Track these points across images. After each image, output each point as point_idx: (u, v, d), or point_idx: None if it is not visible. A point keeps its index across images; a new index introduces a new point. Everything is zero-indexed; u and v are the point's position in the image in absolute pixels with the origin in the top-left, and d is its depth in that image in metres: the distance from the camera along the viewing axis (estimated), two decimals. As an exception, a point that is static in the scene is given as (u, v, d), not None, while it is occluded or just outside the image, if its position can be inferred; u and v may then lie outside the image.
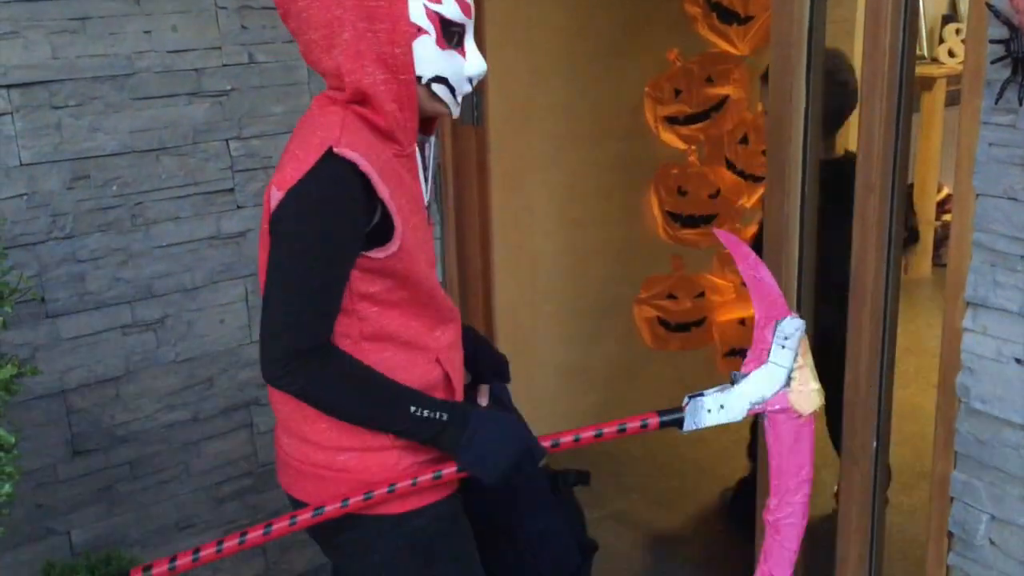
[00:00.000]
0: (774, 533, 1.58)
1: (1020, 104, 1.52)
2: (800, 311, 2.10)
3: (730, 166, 3.36)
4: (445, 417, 1.43)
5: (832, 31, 2.05)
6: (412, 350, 1.49)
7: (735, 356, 3.19)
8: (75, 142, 2.12)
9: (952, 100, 4.54)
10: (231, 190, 2.35)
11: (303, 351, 1.35)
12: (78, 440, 2.22)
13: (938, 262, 4.75)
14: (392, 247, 1.40)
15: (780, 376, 1.52)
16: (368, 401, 1.41)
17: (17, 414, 1.96)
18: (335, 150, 1.33)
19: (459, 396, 1.57)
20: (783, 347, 1.51)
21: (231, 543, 1.41)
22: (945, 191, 4.87)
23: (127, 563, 1.85)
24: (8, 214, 2.05)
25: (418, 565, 1.51)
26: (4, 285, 1.58)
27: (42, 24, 2.04)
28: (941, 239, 4.74)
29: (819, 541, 2.31)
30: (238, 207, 2.36)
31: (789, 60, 1.98)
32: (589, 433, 1.50)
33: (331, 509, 1.43)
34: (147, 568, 1.40)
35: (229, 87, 2.30)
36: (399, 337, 1.47)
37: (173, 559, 1.40)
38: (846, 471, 2.07)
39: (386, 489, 1.43)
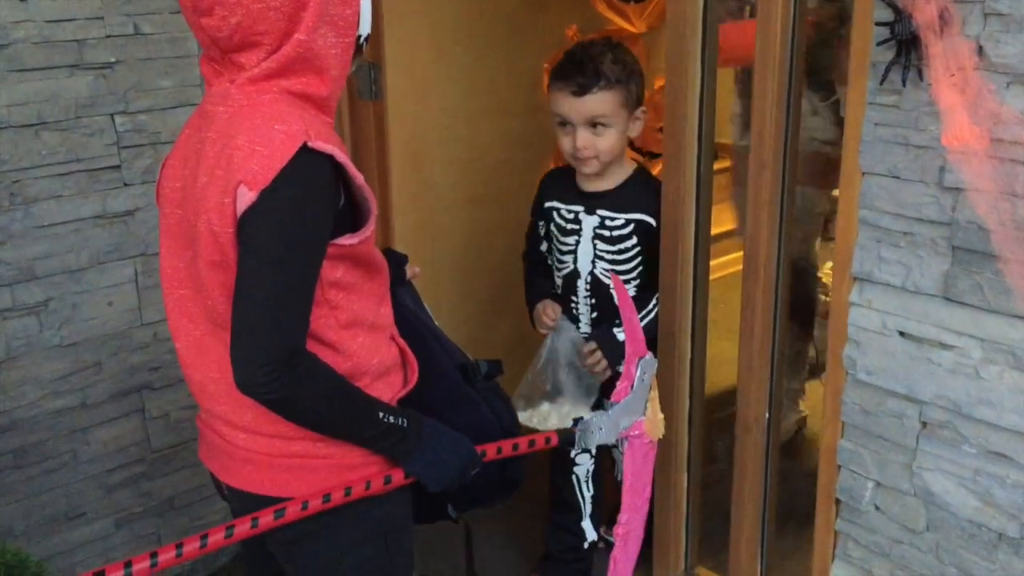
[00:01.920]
0: (623, 545, 1.78)
1: (904, 85, 1.57)
2: (696, 291, 2.15)
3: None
4: (405, 423, 1.42)
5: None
6: (376, 331, 1.47)
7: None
8: (-54, 116, 2.01)
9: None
10: (117, 167, 2.25)
11: (286, 355, 1.28)
12: (-44, 430, 2.12)
13: (825, 236, 4.90)
14: (366, 232, 1.38)
15: (640, 405, 1.75)
16: (343, 407, 1.37)
17: None
18: (310, 144, 1.26)
19: (415, 369, 1.56)
20: (643, 380, 1.75)
21: (191, 546, 1.32)
22: (833, 167, 5.02)
23: (12, 556, 1.78)
24: None
25: (380, 549, 1.51)
26: None
27: (-94, -10, 1.92)
28: (829, 214, 4.88)
29: (713, 509, 2.37)
30: (125, 184, 2.27)
31: (684, 38, 2.01)
32: (508, 445, 1.58)
33: (291, 511, 1.39)
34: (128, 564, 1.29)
35: (113, 59, 2.19)
36: (366, 320, 1.45)
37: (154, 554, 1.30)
38: (740, 440, 2.13)
39: (343, 492, 1.41)
